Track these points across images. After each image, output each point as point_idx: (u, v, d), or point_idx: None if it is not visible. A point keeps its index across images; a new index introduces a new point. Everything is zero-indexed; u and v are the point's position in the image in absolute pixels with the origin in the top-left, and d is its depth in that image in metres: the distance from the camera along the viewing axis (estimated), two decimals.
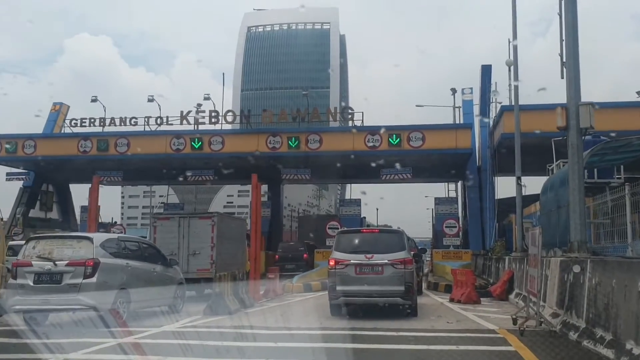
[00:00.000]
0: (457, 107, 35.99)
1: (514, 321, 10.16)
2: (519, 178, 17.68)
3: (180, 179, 33.48)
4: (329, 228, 27.73)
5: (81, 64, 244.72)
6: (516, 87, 17.94)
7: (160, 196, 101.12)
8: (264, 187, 38.13)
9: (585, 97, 21.14)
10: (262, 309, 13.79)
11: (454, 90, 36.60)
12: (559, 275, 10.23)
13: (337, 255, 11.71)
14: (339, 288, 11.37)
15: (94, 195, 17.35)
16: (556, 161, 16.98)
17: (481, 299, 15.32)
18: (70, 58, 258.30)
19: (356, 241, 12.23)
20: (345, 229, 16.34)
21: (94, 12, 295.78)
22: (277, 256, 32.84)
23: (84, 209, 36.74)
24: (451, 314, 12.49)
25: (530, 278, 9.93)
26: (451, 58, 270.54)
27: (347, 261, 11.43)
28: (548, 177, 17.09)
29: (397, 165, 30.40)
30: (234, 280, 13.98)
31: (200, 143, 31.28)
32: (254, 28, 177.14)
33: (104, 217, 43.59)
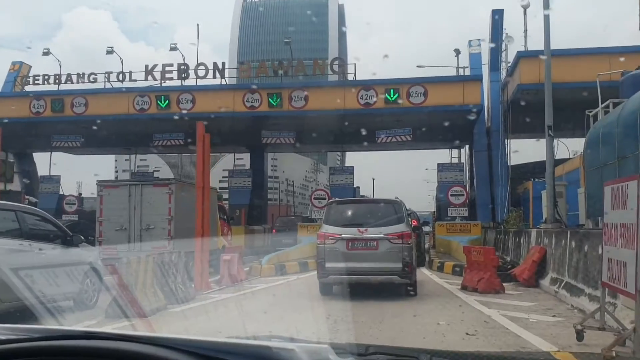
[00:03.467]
0: (462, 67, 31.64)
1: (579, 334, 6.14)
2: (549, 127, 13.53)
3: (155, 145, 29.35)
4: (314, 198, 23.71)
5: (80, 39, 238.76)
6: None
7: (155, 169, 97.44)
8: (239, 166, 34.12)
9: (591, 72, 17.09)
10: (199, 306, 9.82)
11: (457, 51, 32.25)
12: None
13: (327, 228, 10.46)
14: (328, 265, 10.19)
15: None
16: (602, 103, 12.84)
17: (503, 284, 11.38)
18: (69, 33, 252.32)
19: (348, 213, 10.99)
20: (337, 199, 13.66)
21: None
22: (274, 230, 29.46)
23: (42, 179, 32.69)
24: (469, 315, 8.48)
25: (611, 264, 5.83)
26: (455, 28, 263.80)
27: (337, 235, 10.21)
28: (593, 125, 12.97)
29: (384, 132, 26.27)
30: (163, 264, 10.03)
31: (167, 102, 27.22)
32: None
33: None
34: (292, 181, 79.91)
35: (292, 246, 21.89)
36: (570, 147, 39.12)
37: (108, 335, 1.33)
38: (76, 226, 20.13)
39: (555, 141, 38.04)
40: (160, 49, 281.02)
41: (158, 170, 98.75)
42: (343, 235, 10.23)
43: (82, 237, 10.74)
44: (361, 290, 10.57)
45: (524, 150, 36.11)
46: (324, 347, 1.28)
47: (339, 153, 71.38)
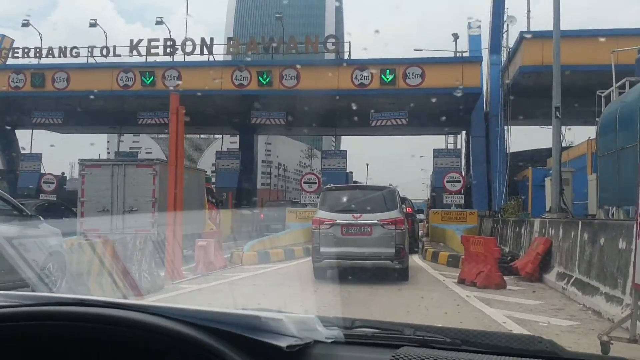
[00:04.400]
0: (460, 52, 30.33)
1: (605, 346, 5.09)
2: (557, 109, 12.48)
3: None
4: (304, 182, 22.61)
5: (76, 19, 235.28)
6: None
7: (147, 151, 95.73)
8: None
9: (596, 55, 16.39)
10: (165, 298, 8.75)
11: (455, 36, 30.93)
12: None
13: (322, 214, 10.74)
14: (323, 250, 10.39)
15: None
16: (617, 82, 11.74)
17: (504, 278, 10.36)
18: (64, 11, 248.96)
19: (343, 199, 11.24)
20: (332, 185, 13.55)
21: None
22: (262, 215, 28.44)
23: (23, 156, 31.39)
24: (468, 315, 7.45)
25: None
26: (454, 12, 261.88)
27: (332, 221, 10.47)
28: (608, 105, 11.87)
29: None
30: (125, 249, 8.96)
31: (152, 78, 26.01)
32: None
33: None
34: (284, 165, 78.85)
35: (280, 232, 20.89)
36: (567, 137, 38.09)
37: (100, 303, 1.29)
38: (50, 207, 19.07)
39: (547, 130, 36.85)
40: (157, 30, 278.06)
41: (150, 152, 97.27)
42: (338, 221, 10.40)
43: (41, 218, 9.69)
44: (352, 280, 9.70)
45: (521, 138, 34.95)
46: (312, 317, 1.30)
47: (334, 138, 70.15)
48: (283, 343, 1.17)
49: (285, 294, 8.89)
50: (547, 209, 13.40)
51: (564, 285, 9.44)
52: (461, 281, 10.56)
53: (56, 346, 1.26)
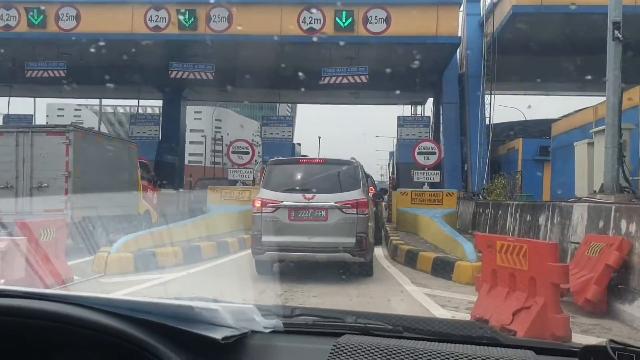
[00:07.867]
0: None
1: None
2: (616, 25, 7.72)
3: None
4: (232, 152, 17.44)
5: None
6: None
7: (89, 127, 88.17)
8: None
9: None
10: None
11: None
12: None
13: (265, 193, 8.74)
14: (265, 239, 8.46)
15: None
16: None
17: None
18: None
19: (293, 175, 9.24)
20: (279, 158, 10.88)
21: None
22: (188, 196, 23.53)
23: None
24: None
25: None
26: None
27: (278, 202, 8.57)
28: None
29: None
30: None
31: (41, 17, 20.41)
32: None
33: None
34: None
35: (197, 217, 15.70)
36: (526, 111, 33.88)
37: (18, 293, 1.17)
38: None
39: (506, 109, 31.82)
40: None
41: (92, 128, 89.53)
42: (285, 203, 8.65)
43: None
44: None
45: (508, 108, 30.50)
46: (249, 307, 1.26)
47: (289, 106, 64.62)
48: (218, 335, 1.12)
49: None
50: (595, 188, 8.63)
51: None
52: (479, 321, 5.59)
53: None
